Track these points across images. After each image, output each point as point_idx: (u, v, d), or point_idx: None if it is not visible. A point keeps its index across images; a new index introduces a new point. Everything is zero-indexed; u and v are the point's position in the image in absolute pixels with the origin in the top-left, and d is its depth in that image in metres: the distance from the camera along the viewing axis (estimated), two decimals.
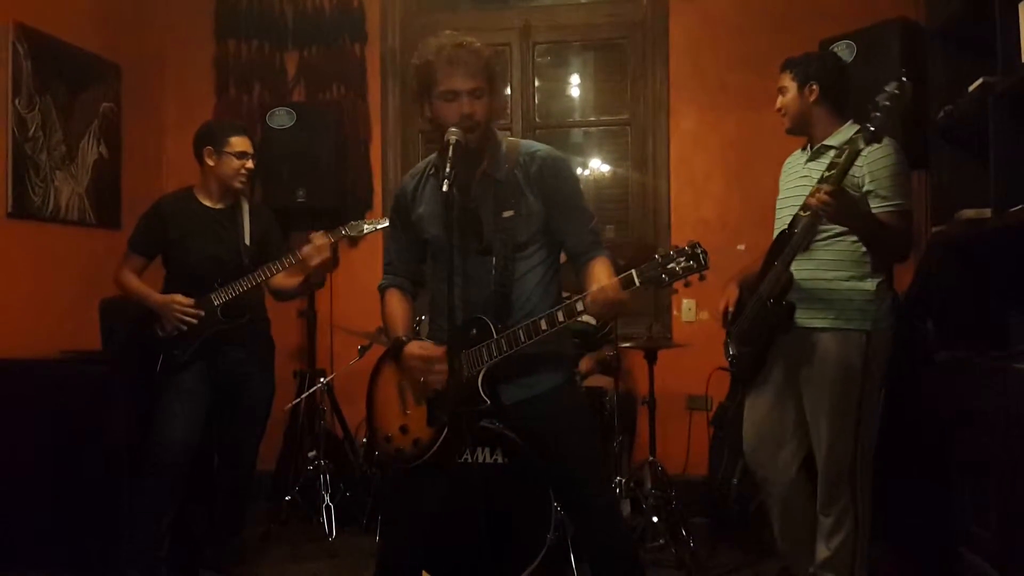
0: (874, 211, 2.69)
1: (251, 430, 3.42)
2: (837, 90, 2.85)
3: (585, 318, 2.43)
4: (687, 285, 2.10)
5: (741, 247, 4.18)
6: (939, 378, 3.06)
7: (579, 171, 4.79)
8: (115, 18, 4.50)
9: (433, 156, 2.48)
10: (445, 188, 2.15)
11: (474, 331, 2.31)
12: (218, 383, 3.29)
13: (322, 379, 4.13)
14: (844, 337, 2.75)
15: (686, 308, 4.52)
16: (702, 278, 2.09)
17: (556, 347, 2.40)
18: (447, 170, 2.17)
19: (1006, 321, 2.96)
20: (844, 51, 3.47)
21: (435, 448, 2.35)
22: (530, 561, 3.17)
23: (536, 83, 4.85)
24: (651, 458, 3.87)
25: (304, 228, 3.67)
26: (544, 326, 2.22)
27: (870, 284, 2.76)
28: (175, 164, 4.62)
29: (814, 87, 2.84)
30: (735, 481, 3.77)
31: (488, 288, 2.34)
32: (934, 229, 3.41)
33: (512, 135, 2.45)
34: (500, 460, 3.24)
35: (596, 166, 4.93)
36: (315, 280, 3.18)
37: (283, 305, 3.75)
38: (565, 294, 2.43)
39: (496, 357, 2.28)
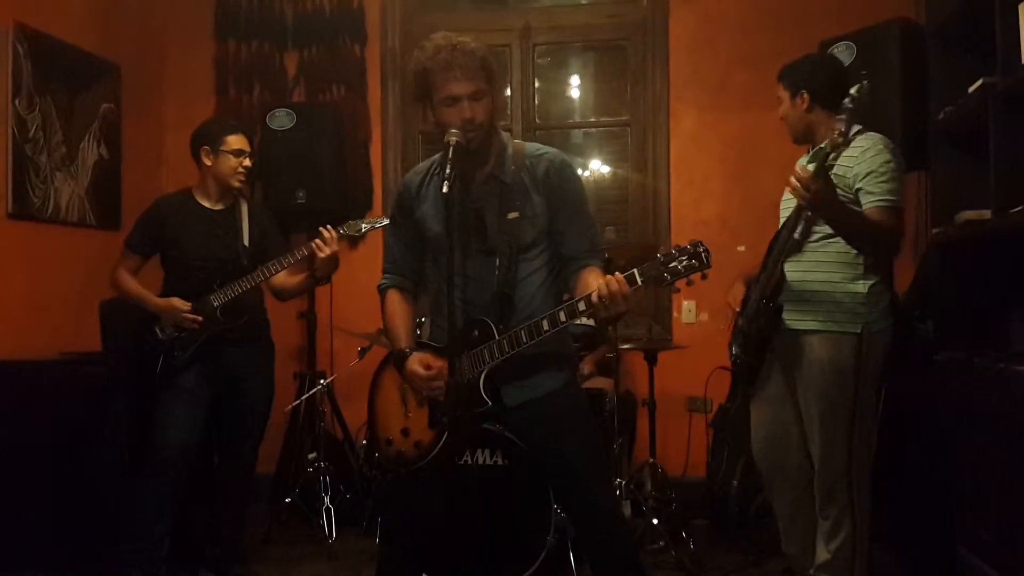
0: (864, 207, 2.69)
1: (251, 431, 3.42)
2: (830, 93, 2.80)
3: (586, 320, 2.42)
4: (689, 284, 2.09)
5: (741, 248, 4.18)
6: (939, 379, 3.05)
7: (579, 172, 4.78)
8: (115, 18, 4.50)
9: (438, 155, 2.48)
10: (445, 189, 2.15)
11: (475, 332, 2.31)
12: (218, 384, 3.28)
13: (322, 381, 4.13)
14: (834, 339, 2.75)
15: (686, 309, 4.52)
16: (704, 277, 2.08)
17: (558, 348, 2.40)
18: (447, 171, 2.17)
19: (1006, 322, 2.96)
20: (844, 52, 3.47)
21: (436, 450, 2.35)
22: (530, 563, 3.16)
23: (536, 84, 4.85)
24: (651, 460, 3.87)
25: (304, 229, 3.68)
26: (546, 327, 2.21)
27: (861, 286, 2.75)
28: (175, 165, 4.62)
29: (804, 95, 2.84)
30: (735, 483, 3.77)
31: (491, 289, 2.34)
32: (934, 230, 3.41)
33: (512, 136, 2.44)
34: (500, 462, 3.24)
35: (596, 167, 4.93)
36: (321, 275, 3.16)
37: (283, 306, 3.75)
38: (566, 297, 2.43)
39: (498, 358, 2.27)
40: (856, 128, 2.82)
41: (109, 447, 3.38)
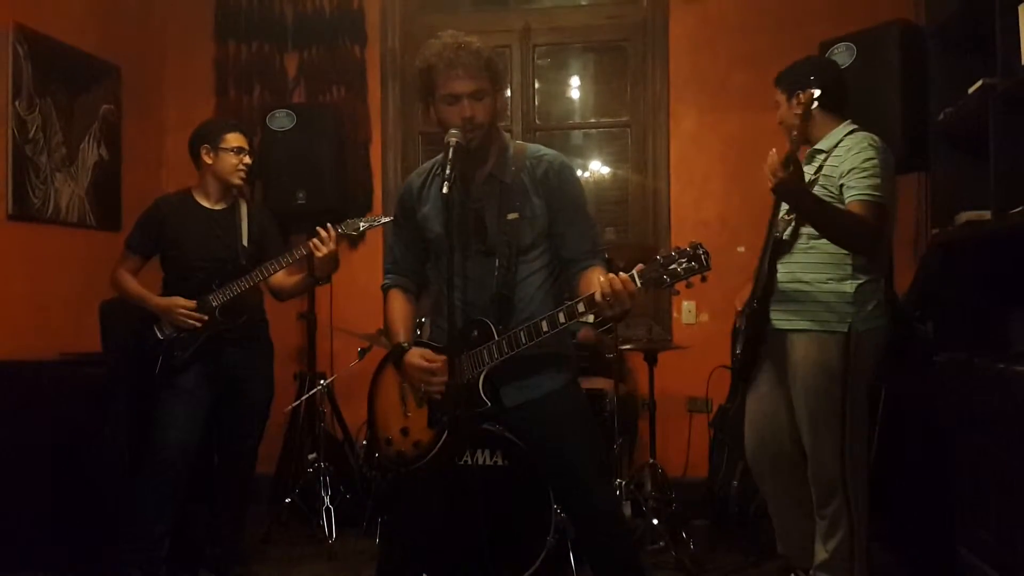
0: (846, 203, 2.70)
1: (250, 431, 3.42)
2: (825, 94, 2.80)
3: (588, 319, 2.42)
4: (689, 286, 2.09)
5: (741, 248, 4.18)
6: (939, 379, 3.05)
7: (579, 173, 4.78)
8: (115, 19, 4.50)
9: (440, 156, 2.48)
10: (445, 190, 2.15)
11: (475, 333, 2.31)
12: (217, 384, 3.29)
13: (322, 381, 4.13)
14: (820, 339, 2.77)
15: (686, 310, 4.52)
16: (704, 279, 2.08)
17: (557, 349, 2.40)
18: (447, 172, 2.17)
19: (1006, 323, 2.96)
20: (844, 52, 3.47)
21: (436, 450, 2.35)
22: (530, 563, 3.16)
23: (536, 85, 4.85)
24: (651, 460, 3.87)
25: (304, 230, 3.65)
26: (545, 327, 2.21)
27: (848, 286, 2.76)
28: (175, 166, 4.62)
29: (801, 98, 2.85)
30: (735, 483, 3.77)
31: (490, 290, 2.34)
32: (934, 230, 3.41)
33: (512, 137, 2.44)
34: (500, 462, 3.24)
35: (596, 168, 4.93)
36: (321, 275, 3.17)
37: (283, 307, 3.75)
38: (566, 298, 2.43)
39: (497, 359, 2.27)
40: (849, 128, 2.84)
41: (109, 447, 3.38)
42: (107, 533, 3.29)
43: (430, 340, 2.51)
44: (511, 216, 2.33)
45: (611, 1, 4.81)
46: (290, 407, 4.23)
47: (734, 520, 3.77)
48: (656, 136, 4.60)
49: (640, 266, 2.10)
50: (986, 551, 2.65)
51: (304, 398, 4.19)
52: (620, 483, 3.70)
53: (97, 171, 4.33)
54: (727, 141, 4.49)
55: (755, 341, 2.92)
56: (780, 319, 2.85)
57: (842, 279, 2.77)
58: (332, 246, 3.03)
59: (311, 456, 4.10)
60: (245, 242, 3.34)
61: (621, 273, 2.10)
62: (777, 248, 2.87)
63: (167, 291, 3.29)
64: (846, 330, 2.74)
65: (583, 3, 4.93)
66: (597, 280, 2.13)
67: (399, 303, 2.54)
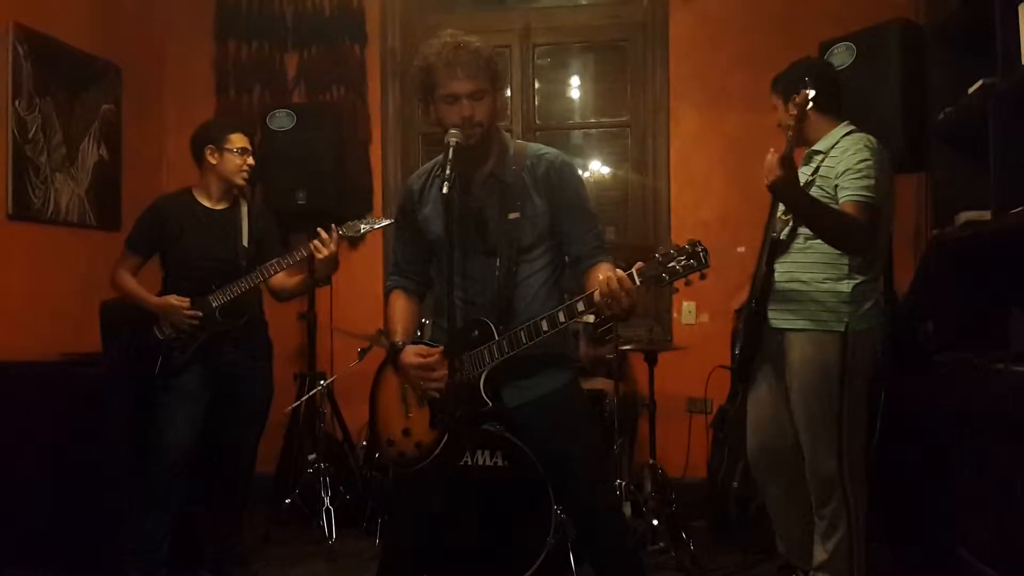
0: (839, 203, 2.70)
1: (249, 431, 3.42)
2: (820, 96, 2.80)
3: (589, 318, 2.42)
4: (688, 284, 2.08)
5: (741, 248, 4.17)
6: (939, 379, 3.06)
7: (579, 172, 4.78)
8: (115, 19, 4.50)
9: (440, 156, 2.48)
10: (445, 190, 2.15)
11: (475, 333, 2.31)
12: (216, 384, 3.29)
13: (322, 381, 4.12)
14: (818, 339, 2.77)
15: (686, 311, 4.52)
16: (703, 277, 2.07)
17: (558, 349, 2.40)
18: (447, 172, 2.17)
19: (1006, 322, 2.96)
20: (844, 52, 3.47)
21: (437, 451, 2.35)
22: (530, 563, 3.17)
23: (536, 85, 4.85)
24: (651, 461, 3.87)
25: (304, 230, 3.65)
26: (545, 327, 2.21)
27: (845, 285, 2.77)
28: (175, 165, 4.62)
29: (796, 100, 2.86)
30: (735, 484, 3.76)
31: (491, 290, 2.34)
32: (934, 230, 3.41)
33: (512, 137, 2.44)
34: (500, 462, 3.24)
35: (596, 168, 4.93)
36: (320, 276, 3.17)
37: (283, 307, 3.75)
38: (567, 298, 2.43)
39: (497, 359, 2.27)
40: (847, 129, 2.84)
41: (109, 447, 3.38)
42: (107, 533, 3.29)
43: (431, 340, 2.51)
44: (512, 216, 2.33)
45: (611, 1, 4.80)
46: (290, 407, 4.22)
47: (734, 520, 3.77)
48: (656, 136, 4.60)
49: (639, 264, 2.09)
50: (986, 551, 2.65)
51: (304, 398, 4.19)
52: (620, 483, 3.70)
53: (97, 171, 4.33)
54: (727, 141, 4.49)
55: (753, 341, 2.93)
56: (777, 318, 2.85)
57: (839, 279, 2.77)
58: (333, 248, 3.03)
59: (311, 456, 4.10)
60: (245, 242, 3.34)
61: (619, 271, 2.10)
62: (774, 248, 2.88)
63: (167, 291, 3.29)
64: (843, 329, 2.74)
65: (583, 3, 4.93)
66: (597, 279, 2.13)
67: (400, 304, 2.54)
